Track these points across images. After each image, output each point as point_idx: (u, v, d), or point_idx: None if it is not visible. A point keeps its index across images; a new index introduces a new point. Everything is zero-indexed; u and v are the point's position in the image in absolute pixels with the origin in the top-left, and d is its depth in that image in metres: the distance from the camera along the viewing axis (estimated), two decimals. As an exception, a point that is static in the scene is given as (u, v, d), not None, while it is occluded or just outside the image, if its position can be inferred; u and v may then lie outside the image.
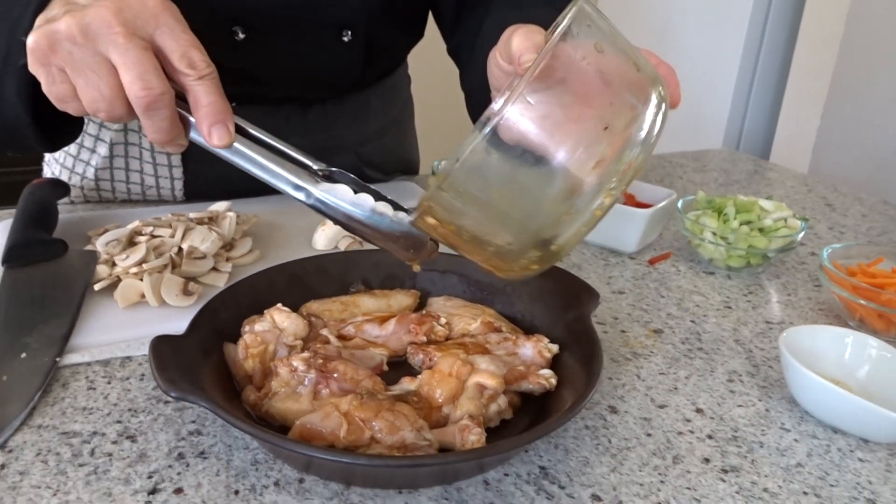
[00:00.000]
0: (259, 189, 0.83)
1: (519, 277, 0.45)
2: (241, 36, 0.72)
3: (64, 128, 0.57)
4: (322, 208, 0.44)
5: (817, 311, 0.66)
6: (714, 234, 0.71)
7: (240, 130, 0.45)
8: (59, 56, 0.44)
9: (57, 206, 0.71)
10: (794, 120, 1.98)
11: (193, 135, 0.45)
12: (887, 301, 0.59)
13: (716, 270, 0.73)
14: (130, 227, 0.65)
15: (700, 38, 2.13)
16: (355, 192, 0.44)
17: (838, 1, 1.80)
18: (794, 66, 1.95)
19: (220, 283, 0.61)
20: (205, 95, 0.44)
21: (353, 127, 0.88)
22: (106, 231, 0.67)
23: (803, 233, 0.71)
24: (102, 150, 0.80)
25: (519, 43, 0.47)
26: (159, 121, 0.44)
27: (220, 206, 0.71)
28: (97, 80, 0.44)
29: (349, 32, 0.76)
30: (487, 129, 0.36)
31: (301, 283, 0.57)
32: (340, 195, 0.44)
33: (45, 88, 0.46)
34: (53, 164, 0.86)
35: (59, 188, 0.73)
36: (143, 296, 0.58)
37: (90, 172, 0.81)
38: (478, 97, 0.58)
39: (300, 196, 0.44)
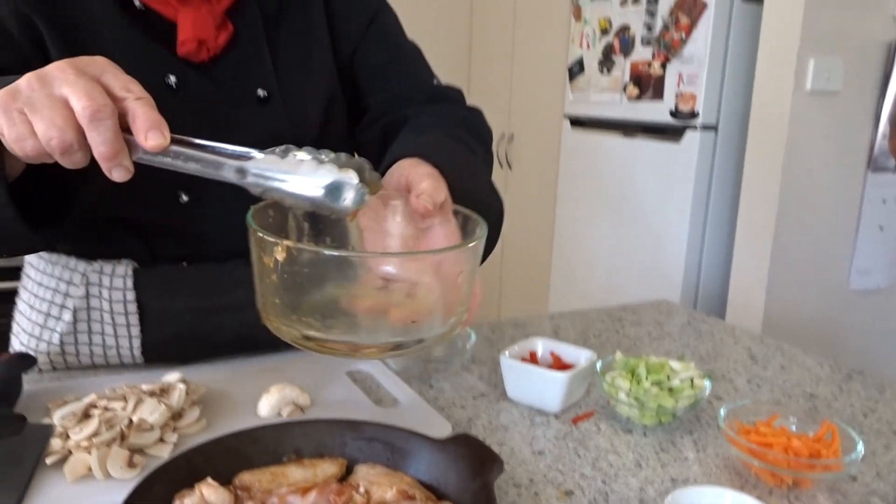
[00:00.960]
0: (210, 351, 0.90)
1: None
2: (185, 198, 0.82)
3: (45, 216, 0.67)
4: (257, 181, 0.53)
5: (722, 467, 0.71)
6: (627, 394, 0.77)
7: (179, 142, 0.53)
8: (18, 101, 0.52)
9: (21, 379, 0.77)
10: (746, 264, 2.09)
11: (140, 155, 0.53)
12: (773, 460, 0.64)
13: (633, 428, 0.78)
14: (87, 400, 0.71)
15: (652, 199, 2.28)
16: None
17: (775, 150, 1.97)
18: (741, 215, 2.09)
19: (165, 453, 0.66)
20: (140, 108, 0.52)
21: None
22: (65, 403, 0.73)
23: (708, 391, 0.78)
24: (67, 316, 0.87)
25: (427, 187, 0.59)
26: (104, 131, 0.51)
27: (172, 376, 0.77)
28: (51, 113, 0.51)
29: None
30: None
31: (237, 454, 0.62)
32: (268, 165, 0.52)
33: (5, 132, 0.53)
34: (22, 335, 0.92)
35: (26, 361, 0.79)
36: (91, 469, 0.63)
37: (56, 338, 0.88)
38: None
39: (238, 178, 0.53)
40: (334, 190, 0.51)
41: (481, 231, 0.57)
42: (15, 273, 1.04)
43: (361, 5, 0.92)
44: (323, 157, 0.52)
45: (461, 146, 0.80)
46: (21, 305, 0.94)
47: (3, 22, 0.75)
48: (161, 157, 0.53)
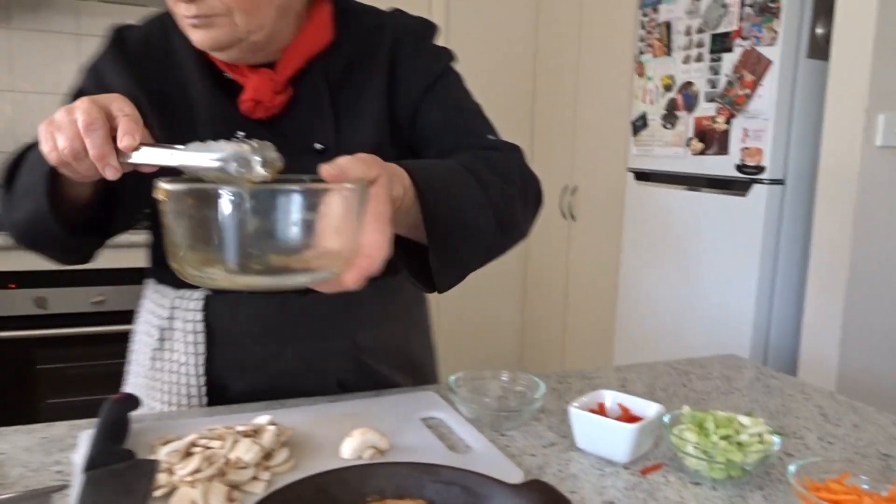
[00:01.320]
0: (270, 382, 0.99)
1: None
2: None
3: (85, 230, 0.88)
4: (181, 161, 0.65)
5: (792, 523, 0.72)
6: (696, 447, 0.79)
7: (148, 145, 0.68)
8: (52, 126, 0.70)
9: (129, 419, 0.84)
10: (818, 321, 2.05)
11: (126, 159, 0.68)
12: (844, 516, 0.65)
13: (702, 481, 0.80)
14: (188, 439, 0.78)
15: (718, 252, 2.27)
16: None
17: (845, 205, 1.95)
18: (812, 269, 2.06)
19: (258, 490, 0.72)
20: (123, 121, 0.69)
21: (346, 313, 1.02)
22: (168, 441, 0.80)
23: (777, 447, 0.79)
24: (156, 334, 1.02)
25: (344, 161, 0.68)
26: (96, 138, 0.68)
27: (262, 419, 0.83)
28: (67, 130, 0.69)
29: None
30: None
31: (325, 493, 0.67)
32: (191, 149, 0.64)
33: (43, 148, 0.71)
34: (137, 353, 1.08)
35: (132, 402, 0.87)
36: (194, 502, 0.68)
37: (149, 353, 1.03)
38: None
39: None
40: (227, 160, 0.62)
41: (359, 185, 0.65)
42: (128, 317, 1.17)
43: (424, 71, 1.01)
44: (238, 141, 0.63)
45: (460, 169, 0.86)
46: (138, 326, 1.10)
47: None
48: (135, 158, 0.68)
